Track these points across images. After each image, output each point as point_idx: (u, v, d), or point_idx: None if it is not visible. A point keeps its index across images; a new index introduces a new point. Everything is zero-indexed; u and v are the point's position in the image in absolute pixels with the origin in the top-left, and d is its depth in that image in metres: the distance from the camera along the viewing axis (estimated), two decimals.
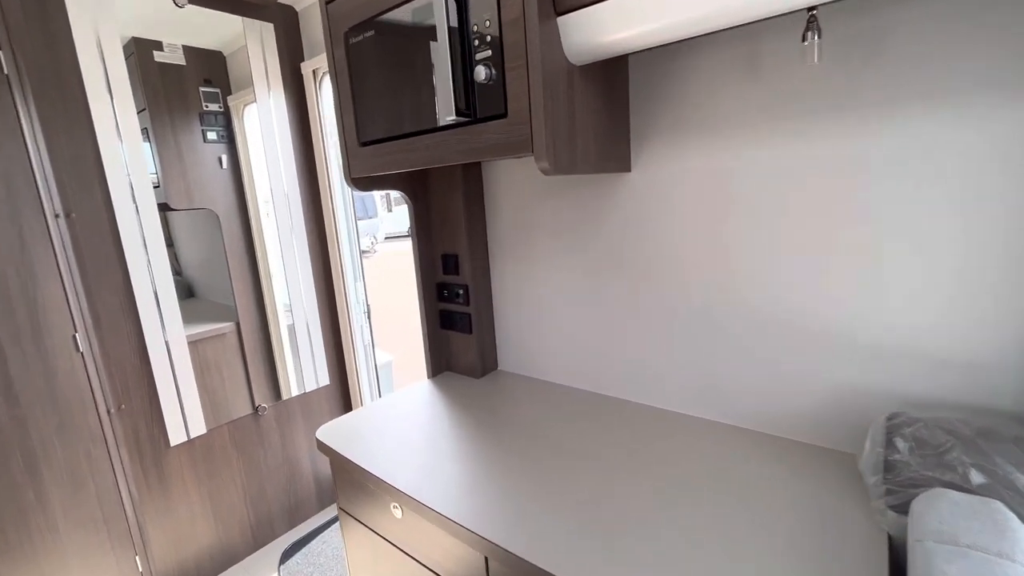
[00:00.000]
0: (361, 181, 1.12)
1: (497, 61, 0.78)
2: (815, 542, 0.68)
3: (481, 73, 0.78)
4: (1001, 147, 0.68)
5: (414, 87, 0.90)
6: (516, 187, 1.23)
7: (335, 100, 1.07)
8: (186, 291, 1.98)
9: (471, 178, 1.26)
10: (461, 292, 1.30)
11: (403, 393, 1.28)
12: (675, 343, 1.03)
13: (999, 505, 0.58)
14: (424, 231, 1.31)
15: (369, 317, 1.91)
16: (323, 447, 1.05)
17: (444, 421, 1.11)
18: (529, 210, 1.21)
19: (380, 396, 2.01)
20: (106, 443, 1.33)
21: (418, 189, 1.28)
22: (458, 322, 1.33)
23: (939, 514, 0.59)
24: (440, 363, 1.40)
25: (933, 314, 0.76)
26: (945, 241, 0.73)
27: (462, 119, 0.83)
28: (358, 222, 1.92)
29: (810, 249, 0.84)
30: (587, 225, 1.11)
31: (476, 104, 0.82)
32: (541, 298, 1.24)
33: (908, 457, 0.70)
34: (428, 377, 1.38)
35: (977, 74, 0.68)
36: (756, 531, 0.70)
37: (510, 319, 1.33)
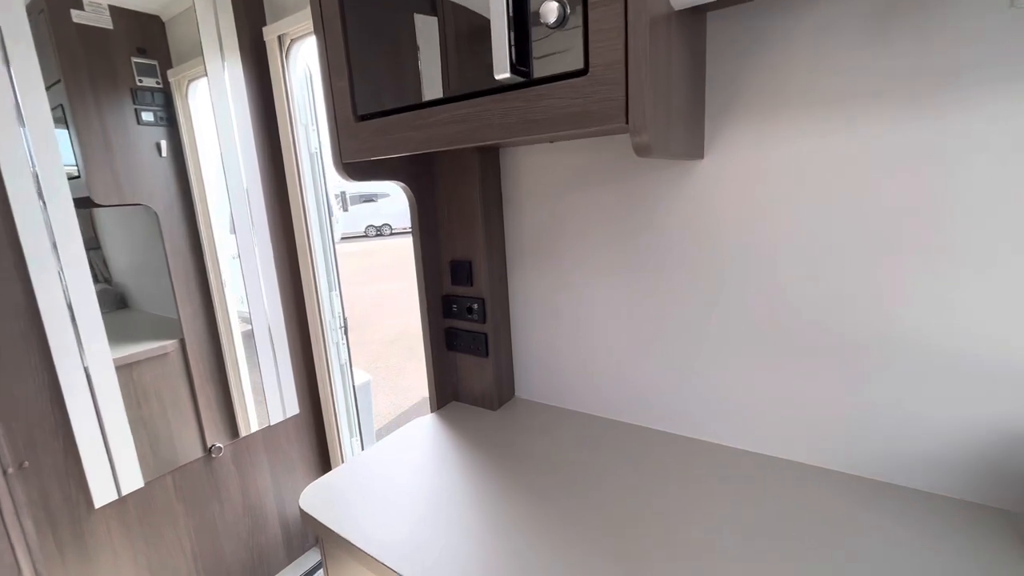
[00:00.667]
0: (356, 168, 0.87)
1: None
2: None
3: (553, 11, 0.56)
4: None
5: (434, 39, 0.66)
6: (544, 178, 1.00)
7: (321, 60, 0.82)
8: (118, 301, 1.62)
9: (489, 166, 1.03)
10: (475, 307, 1.06)
11: (405, 434, 1.03)
12: (760, 369, 0.84)
13: None
14: (429, 232, 1.07)
15: (346, 333, 1.63)
16: (309, 520, 0.79)
17: (460, 473, 0.87)
18: (561, 207, 0.99)
19: (359, 421, 1.73)
20: (1, 514, 1.00)
21: (423, 179, 1.03)
22: (470, 343, 1.09)
23: None
24: (446, 392, 1.15)
25: None
26: None
27: (519, 79, 0.60)
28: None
29: (966, 254, 0.67)
30: (640, 225, 0.91)
31: (531, 61, 0.60)
32: (575, 312, 1.02)
33: None
34: (432, 410, 1.14)
35: None
36: None
37: (533, 338, 1.10)
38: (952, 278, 0.67)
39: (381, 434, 3.32)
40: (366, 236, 17.89)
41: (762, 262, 0.80)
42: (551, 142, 0.97)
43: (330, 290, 1.56)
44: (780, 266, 0.79)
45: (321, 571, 1.31)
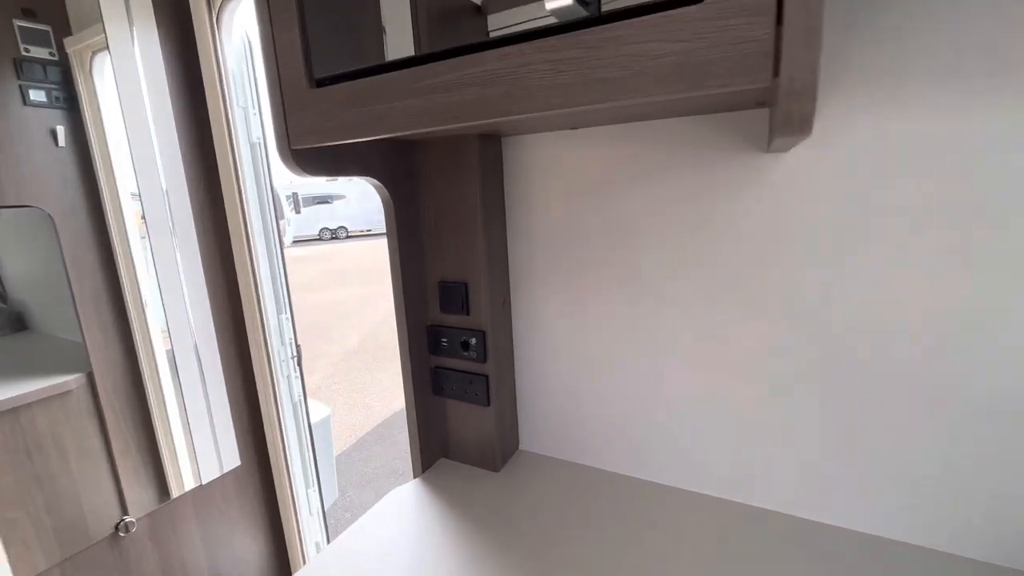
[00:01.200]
0: (309, 157, 0.61)
1: None
2: None
3: None
4: None
5: None
6: (561, 176, 0.78)
7: (259, 7, 0.56)
8: (14, 323, 1.28)
9: (491, 159, 0.79)
10: (473, 342, 0.82)
11: (384, 512, 0.77)
12: (879, 424, 0.65)
13: None
14: (411, 244, 0.81)
15: (299, 363, 1.34)
16: None
17: (461, 570, 0.63)
18: (584, 213, 0.77)
19: (316, 468, 1.43)
20: None
21: (403, 176, 0.78)
22: (465, 387, 0.85)
23: None
24: (433, 448, 0.90)
25: None
26: None
27: (583, 13, 0.37)
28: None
29: None
30: (692, 238, 0.70)
31: None
32: (603, 346, 0.80)
33: None
34: (416, 474, 0.88)
35: None
36: None
37: (545, 378, 0.87)
38: None
39: (342, 463, 2.99)
40: (320, 239, 17.10)
41: (879, 286, 0.61)
42: (573, 128, 0.75)
43: (279, 313, 1.27)
44: (911, 291, 0.60)
45: None
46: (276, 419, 1.31)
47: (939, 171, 0.55)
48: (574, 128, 0.74)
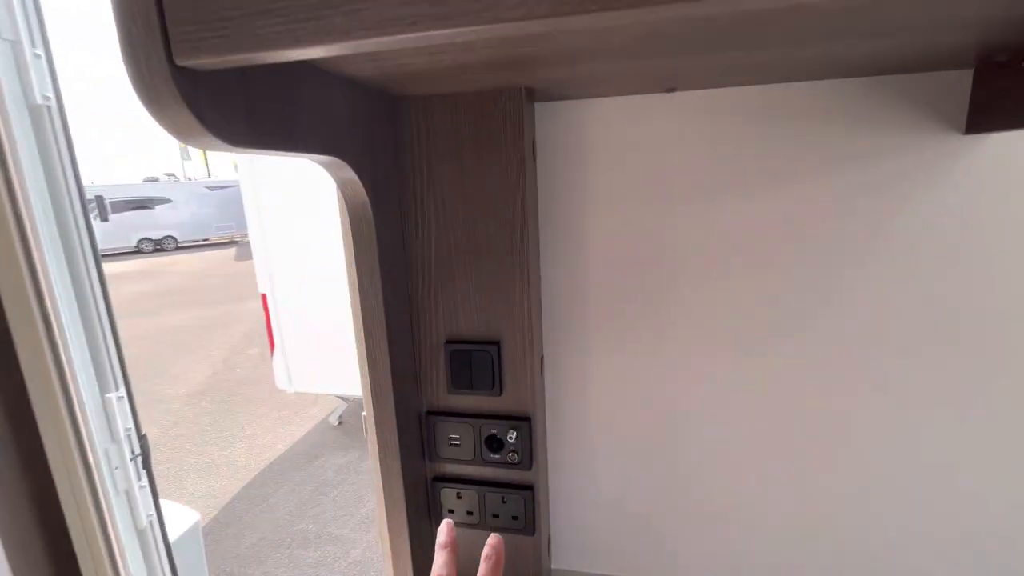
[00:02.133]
0: (219, 98, 0.24)
1: None
2: None
3: None
4: None
5: None
6: (637, 163, 0.50)
7: None
8: None
9: (526, 134, 0.48)
10: (512, 437, 0.49)
11: None
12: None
13: None
14: (398, 279, 0.46)
15: (147, 463, 0.84)
16: None
17: None
18: (669, 223, 0.50)
19: None
20: None
21: (384, 157, 0.43)
22: (494, 509, 0.52)
23: None
24: None
25: None
26: None
27: None
28: None
29: None
30: (847, 257, 0.48)
31: None
32: (689, 420, 0.55)
33: None
34: None
35: None
36: None
37: (584, 466, 0.58)
38: None
39: (207, 544, 2.28)
40: (140, 252, 14.13)
41: None
42: (668, 91, 0.48)
43: (105, 391, 0.76)
44: None
45: None
46: (107, 562, 0.79)
47: None
48: (670, 91, 0.47)
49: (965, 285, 0.46)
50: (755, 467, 0.54)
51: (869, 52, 0.36)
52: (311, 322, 2.66)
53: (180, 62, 0.22)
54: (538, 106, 0.51)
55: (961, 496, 0.50)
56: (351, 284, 0.45)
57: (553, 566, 0.64)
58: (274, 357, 2.81)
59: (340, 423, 3.30)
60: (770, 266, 0.49)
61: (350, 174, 0.38)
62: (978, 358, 0.47)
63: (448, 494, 0.52)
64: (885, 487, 0.52)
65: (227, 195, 15.09)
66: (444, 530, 0.42)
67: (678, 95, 0.48)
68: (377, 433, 0.48)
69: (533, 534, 0.52)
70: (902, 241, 0.46)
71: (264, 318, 2.78)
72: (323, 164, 0.36)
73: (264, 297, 2.72)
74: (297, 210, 2.49)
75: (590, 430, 0.57)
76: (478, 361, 0.48)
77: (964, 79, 0.43)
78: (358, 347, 0.48)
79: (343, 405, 3.35)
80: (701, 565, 0.58)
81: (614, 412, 0.56)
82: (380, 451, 0.49)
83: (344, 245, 0.45)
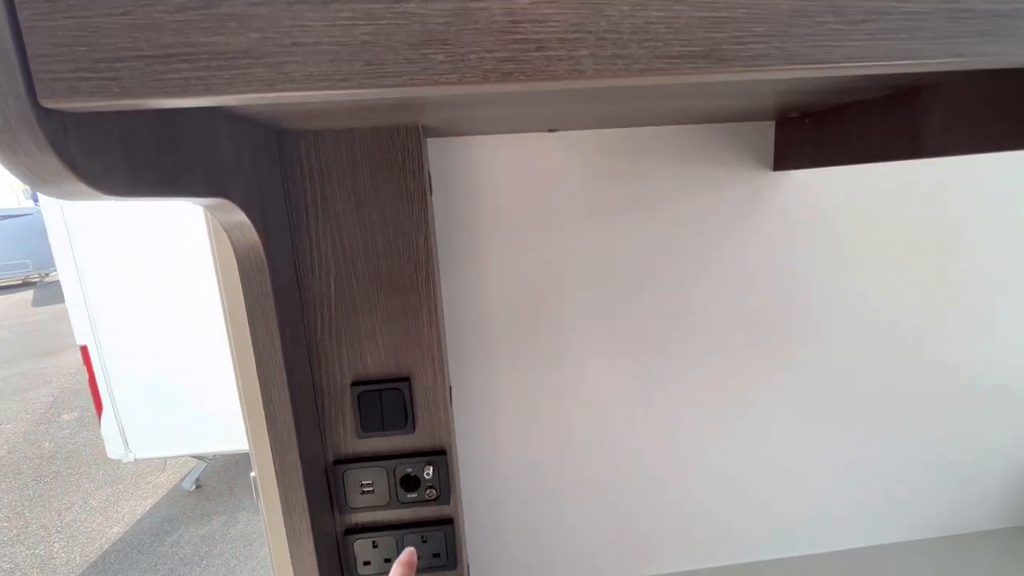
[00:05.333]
0: (94, 143, 0.21)
1: None
2: None
3: None
4: None
5: None
6: (525, 193, 0.54)
7: None
8: None
9: (420, 167, 0.48)
10: (428, 473, 0.48)
11: None
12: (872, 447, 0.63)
13: None
14: (294, 324, 0.43)
15: None
16: None
17: None
18: (556, 248, 0.55)
19: None
20: None
21: (273, 196, 0.40)
22: (421, 552, 0.50)
23: None
24: None
25: None
26: None
27: None
28: None
29: None
30: (703, 269, 0.57)
31: None
32: (577, 429, 0.59)
33: None
34: None
35: None
36: None
37: (495, 489, 0.60)
38: None
39: None
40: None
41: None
42: (551, 131, 0.52)
43: None
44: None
45: None
46: None
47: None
48: (552, 131, 0.52)
49: (784, 291, 0.58)
50: (653, 462, 0.61)
51: (710, 107, 0.44)
52: (152, 373, 2.26)
53: (46, 104, 0.19)
54: (431, 141, 0.52)
55: (774, 469, 0.62)
56: (229, 330, 0.41)
57: None
58: (103, 422, 2.32)
59: (198, 487, 2.83)
60: (639, 282, 0.57)
61: (239, 216, 0.34)
62: (787, 356, 0.60)
63: (363, 546, 0.49)
64: (743, 461, 0.62)
65: (14, 226, 12.10)
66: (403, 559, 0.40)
67: (559, 135, 0.53)
68: (280, 492, 0.43)
69: (455, 568, 0.51)
70: (736, 252, 0.57)
71: (86, 375, 2.29)
72: (209, 207, 0.33)
73: (85, 350, 2.24)
74: (123, 239, 2.10)
75: (500, 455, 0.59)
76: (388, 400, 0.47)
77: (771, 128, 0.55)
78: (240, 401, 0.43)
79: (200, 465, 2.88)
80: (617, 564, 0.63)
81: (522, 432, 0.58)
82: (285, 511, 0.44)
83: (221, 290, 0.40)
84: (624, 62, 0.20)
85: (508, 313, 0.56)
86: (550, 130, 0.52)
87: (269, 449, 0.42)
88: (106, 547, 2.41)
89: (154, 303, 2.18)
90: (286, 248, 0.43)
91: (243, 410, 0.49)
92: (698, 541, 0.64)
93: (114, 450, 2.34)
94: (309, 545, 0.44)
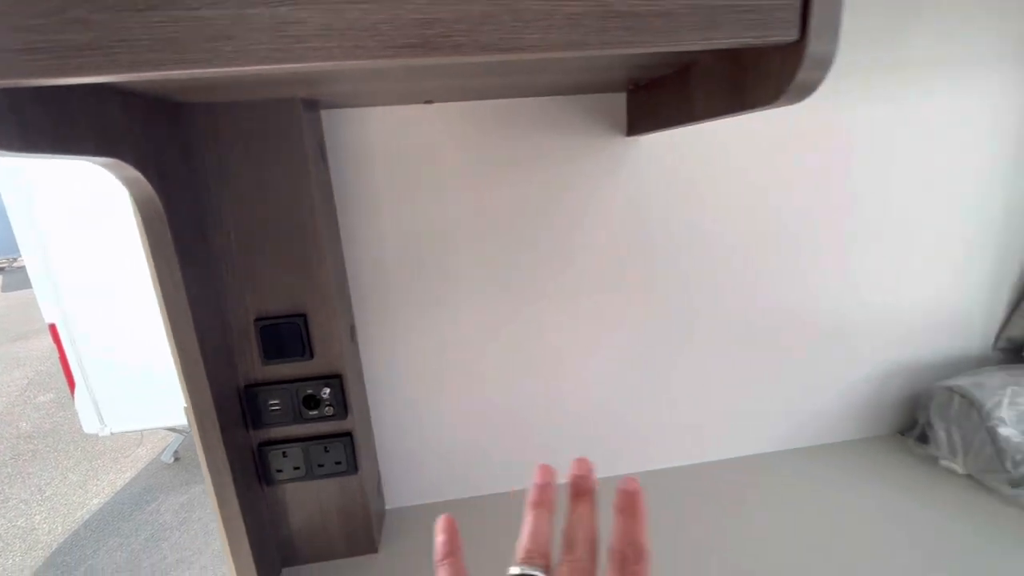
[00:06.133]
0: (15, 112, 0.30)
1: None
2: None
3: None
4: None
5: None
6: (409, 160, 0.63)
7: None
8: None
9: (317, 134, 0.57)
10: (326, 392, 0.58)
11: None
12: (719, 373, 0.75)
13: None
14: (199, 268, 0.51)
15: None
16: None
17: None
18: (437, 208, 0.64)
19: None
20: None
21: (170, 158, 0.48)
22: (318, 459, 0.60)
23: None
24: (269, 565, 0.61)
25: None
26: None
27: None
28: None
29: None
30: (565, 224, 0.67)
31: None
32: (464, 359, 0.70)
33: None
34: None
35: None
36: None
37: (402, 409, 0.70)
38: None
39: None
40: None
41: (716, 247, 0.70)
42: (428, 103, 0.61)
43: None
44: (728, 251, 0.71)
45: None
46: None
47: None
48: (428, 103, 0.60)
49: (631, 242, 0.68)
50: (531, 375, 0.71)
51: (564, 81, 0.53)
52: (123, 348, 2.31)
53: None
54: (325, 113, 0.60)
55: (644, 388, 0.74)
56: (152, 279, 0.49)
57: (388, 507, 0.74)
58: (76, 398, 2.38)
59: (176, 459, 2.92)
60: (515, 233, 0.66)
61: (133, 173, 0.43)
62: (637, 298, 0.70)
63: (275, 455, 0.59)
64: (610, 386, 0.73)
65: None
66: (442, 526, 0.32)
67: (437, 106, 0.61)
68: (194, 411, 0.53)
69: (356, 472, 0.61)
70: (600, 204, 0.67)
71: (57, 354, 2.34)
72: (103, 166, 0.41)
73: (54, 328, 2.29)
74: (87, 219, 2.13)
75: (402, 380, 0.69)
76: (287, 332, 0.56)
77: (623, 99, 0.64)
78: (173, 339, 0.52)
79: (178, 438, 2.97)
80: (512, 465, 0.74)
81: (421, 359, 0.68)
82: (199, 428, 0.54)
83: (141, 242, 0.49)
84: (362, 51, 0.29)
85: (402, 263, 0.65)
86: (427, 102, 0.60)
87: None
88: (87, 517, 2.50)
89: (123, 278, 2.22)
90: (190, 206, 0.51)
91: (172, 350, 0.58)
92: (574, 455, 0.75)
93: (89, 425, 2.41)
94: (221, 455, 0.54)
